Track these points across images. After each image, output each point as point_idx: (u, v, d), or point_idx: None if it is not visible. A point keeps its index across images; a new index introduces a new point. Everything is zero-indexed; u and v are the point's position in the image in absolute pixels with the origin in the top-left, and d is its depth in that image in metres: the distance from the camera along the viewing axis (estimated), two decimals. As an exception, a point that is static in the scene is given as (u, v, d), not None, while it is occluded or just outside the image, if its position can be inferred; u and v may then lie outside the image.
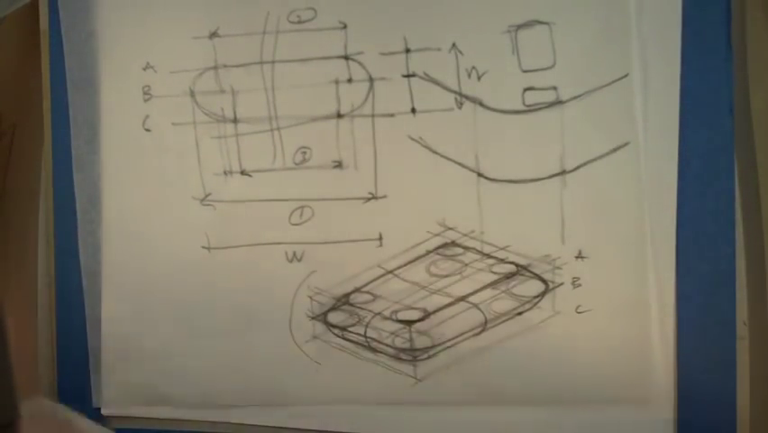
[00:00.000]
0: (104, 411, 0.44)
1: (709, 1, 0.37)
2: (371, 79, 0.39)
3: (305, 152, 0.40)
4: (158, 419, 0.44)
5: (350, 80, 0.39)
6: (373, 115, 0.39)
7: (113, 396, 0.44)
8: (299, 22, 0.40)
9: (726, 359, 0.38)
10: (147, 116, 0.42)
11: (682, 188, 0.38)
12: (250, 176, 0.41)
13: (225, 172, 0.41)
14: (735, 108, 0.38)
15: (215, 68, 0.40)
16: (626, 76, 0.38)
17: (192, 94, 0.41)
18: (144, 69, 0.41)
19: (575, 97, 0.38)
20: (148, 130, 0.42)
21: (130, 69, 0.42)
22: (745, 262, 0.38)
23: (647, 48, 0.37)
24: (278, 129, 0.40)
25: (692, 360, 0.38)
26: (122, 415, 0.44)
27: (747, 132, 0.38)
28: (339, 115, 0.40)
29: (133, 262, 0.43)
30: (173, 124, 0.41)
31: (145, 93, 0.42)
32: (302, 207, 0.40)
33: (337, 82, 0.39)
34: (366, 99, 0.39)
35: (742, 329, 0.38)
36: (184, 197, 0.41)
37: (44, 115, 0.43)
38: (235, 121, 0.40)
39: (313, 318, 0.41)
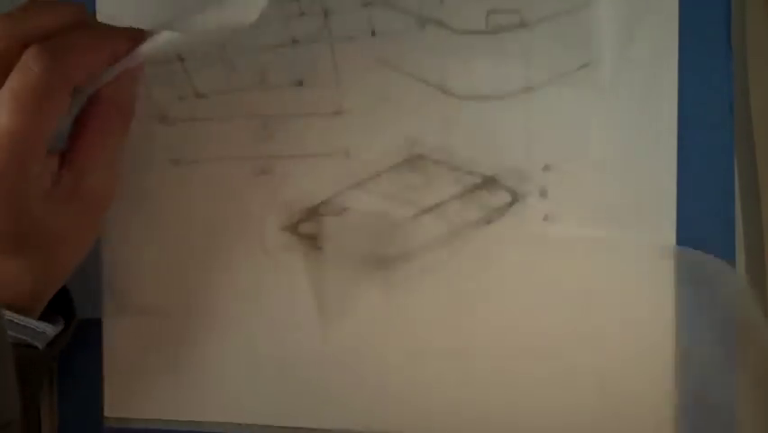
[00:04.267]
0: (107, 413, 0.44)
1: (709, 1, 0.38)
2: (326, 12, 0.40)
3: (262, 74, 0.40)
4: (159, 420, 0.43)
5: (302, 14, 0.39)
6: (331, 40, 0.40)
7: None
8: None
9: (726, 359, 0.38)
10: None
11: (682, 188, 0.38)
12: (206, 98, 0.41)
13: (180, 98, 0.41)
14: (735, 108, 0.38)
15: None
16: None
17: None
18: None
19: (540, 20, 0.39)
20: None
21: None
22: (745, 262, 0.38)
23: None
24: (230, 60, 0.40)
25: (692, 360, 0.38)
26: (123, 416, 0.44)
27: (747, 132, 0.38)
28: (294, 41, 0.40)
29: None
30: None
31: None
32: (266, 123, 0.40)
33: (288, 17, 0.39)
34: (322, 27, 0.40)
35: (741, 331, 0.37)
36: (142, 119, 0.40)
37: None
38: (182, 60, 0.40)
39: (284, 230, 0.41)
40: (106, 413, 0.44)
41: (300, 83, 0.40)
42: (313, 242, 0.41)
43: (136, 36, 0.35)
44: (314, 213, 0.41)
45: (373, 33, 0.39)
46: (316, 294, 0.41)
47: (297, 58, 0.40)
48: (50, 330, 0.37)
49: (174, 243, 0.42)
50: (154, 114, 0.41)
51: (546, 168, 0.39)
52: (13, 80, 0.32)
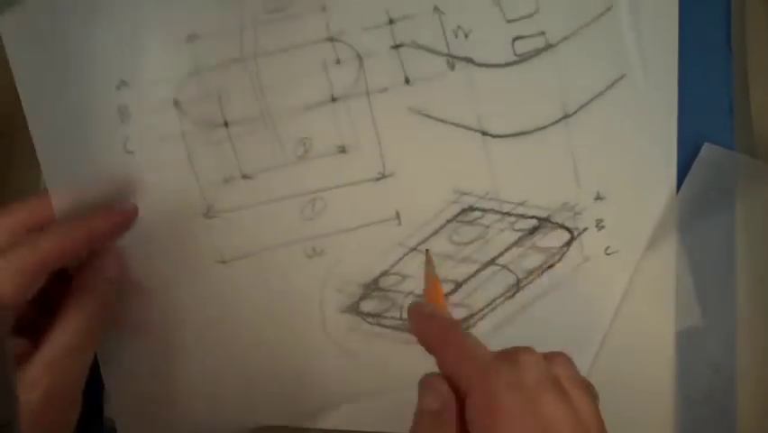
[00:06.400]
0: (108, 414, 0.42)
1: (709, 1, 0.38)
2: (360, 57, 0.38)
3: (305, 143, 0.38)
4: (159, 420, 0.41)
5: (338, 61, 0.38)
6: (368, 93, 0.38)
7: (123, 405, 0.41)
8: (276, 11, 0.38)
9: (726, 360, 0.39)
10: (128, 138, 0.39)
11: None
12: (252, 178, 0.39)
13: (225, 180, 0.39)
14: (735, 108, 0.39)
15: (198, 72, 0.38)
16: (610, 9, 0.38)
17: (177, 104, 0.38)
18: (118, 88, 0.39)
19: (565, 38, 0.38)
20: (131, 152, 0.39)
21: (100, 90, 0.38)
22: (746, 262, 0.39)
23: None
24: (273, 125, 0.38)
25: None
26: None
27: (747, 132, 0.39)
28: (333, 99, 0.38)
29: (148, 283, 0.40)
30: (160, 138, 0.39)
31: (122, 113, 0.39)
32: (313, 199, 0.39)
33: (325, 65, 0.38)
34: (358, 77, 0.38)
35: (742, 329, 0.39)
36: (186, 213, 0.39)
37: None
38: (226, 125, 0.39)
39: (345, 312, 0.40)
40: (106, 413, 0.42)
41: (343, 149, 0.39)
42: (377, 319, 0.39)
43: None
44: (373, 288, 0.39)
45: (407, 81, 0.38)
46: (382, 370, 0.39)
47: (337, 117, 0.38)
48: None
49: (232, 344, 0.40)
50: (199, 208, 0.39)
51: (598, 197, 0.39)
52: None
